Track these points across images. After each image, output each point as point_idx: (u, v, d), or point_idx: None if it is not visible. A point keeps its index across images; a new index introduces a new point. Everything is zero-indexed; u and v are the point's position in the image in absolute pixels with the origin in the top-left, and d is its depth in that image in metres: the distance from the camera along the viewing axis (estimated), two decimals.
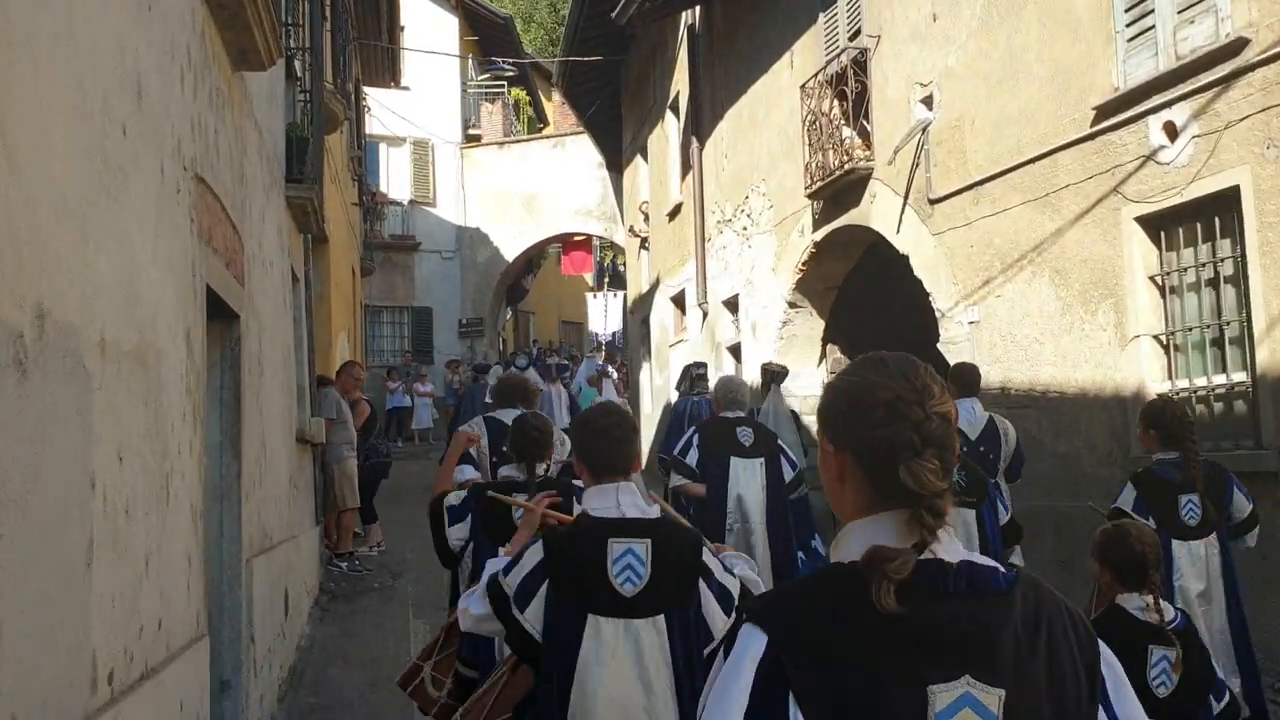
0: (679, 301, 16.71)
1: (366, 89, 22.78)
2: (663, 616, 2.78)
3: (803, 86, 10.92)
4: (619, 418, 3.05)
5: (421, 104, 26.21)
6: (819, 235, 10.95)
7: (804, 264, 11.41)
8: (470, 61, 29.03)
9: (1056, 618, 1.45)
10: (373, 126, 24.92)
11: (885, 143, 9.64)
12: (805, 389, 12.22)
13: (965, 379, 6.89)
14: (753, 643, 1.40)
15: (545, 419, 4.52)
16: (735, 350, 13.88)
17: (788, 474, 6.85)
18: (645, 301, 19.30)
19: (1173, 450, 4.73)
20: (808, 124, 10.76)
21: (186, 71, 4.29)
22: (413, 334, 27.11)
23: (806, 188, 10.86)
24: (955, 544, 1.45)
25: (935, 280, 8.94)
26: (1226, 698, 3.59)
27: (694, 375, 11.47)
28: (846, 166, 9.99)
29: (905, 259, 9.43)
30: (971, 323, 8.54)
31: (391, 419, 23.60)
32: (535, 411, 4.95)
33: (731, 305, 13.83)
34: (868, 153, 9.86)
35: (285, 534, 7.43)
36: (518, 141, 27.65)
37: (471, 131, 27.77)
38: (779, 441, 7.11)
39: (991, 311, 8.31)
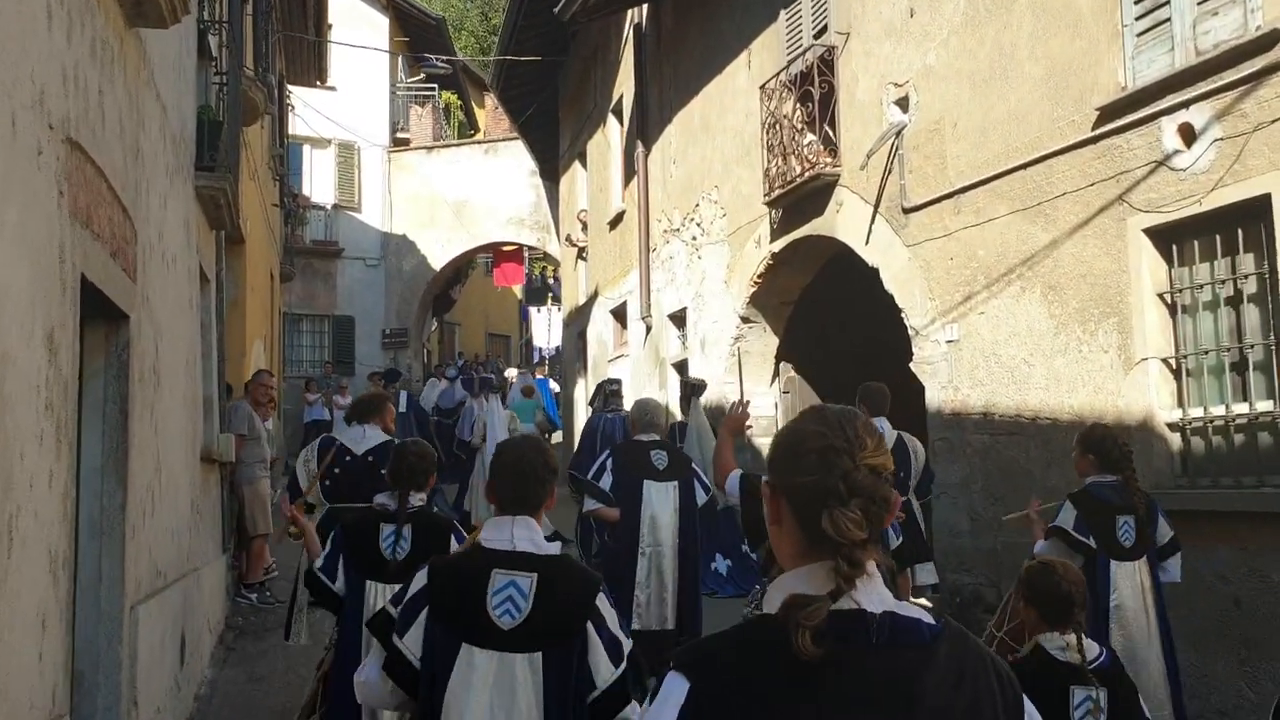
0: (619, 315, 15.93)
1: (291, 87, 21.76)
2: (540, 655, 2.73)
3: (762, 87, 10.23)
4: (536, 455, 2.98)
5: (348, 105, 25.17)
6: (777, 246, 10.25)
7: (759, 276, 10.71)
8: (400, 63, 28.04)
9: (982, 673, 1.45)
10: (296, 127, 23.83)
11: (853, 148, 8.98)
12: (756, 409, 11.49)
13: (874, 399, 7.14)
14: (675, 689, 1.44)
15: (424, 445, 4.38)
16: (681, 366, 13.13)
17: (701, 497, 6.87)
18: (582, 314, 18.49)
19: (1109, 475, 4.88)
20: (767, 127, 10.06)
21: (56, 8, 3.41)
22: (334, 344, 25.99)
23: (765, 195, 10.17)
24: (880, 594, 1.46)
25: (909, 295, 8.27)
26: None
27: (608, 392, 11.44)
28: (810, 173, 9.31)
29: (874, 272, 8.76)
30: (950, 341, 7.88)
31: (310, 432, 22.44)
32: (417, 438, 4.82)
33: (679, 319, 13.09)
34: (833, 159, 9.18)
35: (185, 568, 6.48)
36: (448, 146, 26.71)
37: (400, 135, 26.76)
38: (693, 465, 7.12)
39: (973, 330, 7.66)
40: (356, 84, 25.64)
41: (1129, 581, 4.82)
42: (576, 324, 19.16)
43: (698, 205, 12.25)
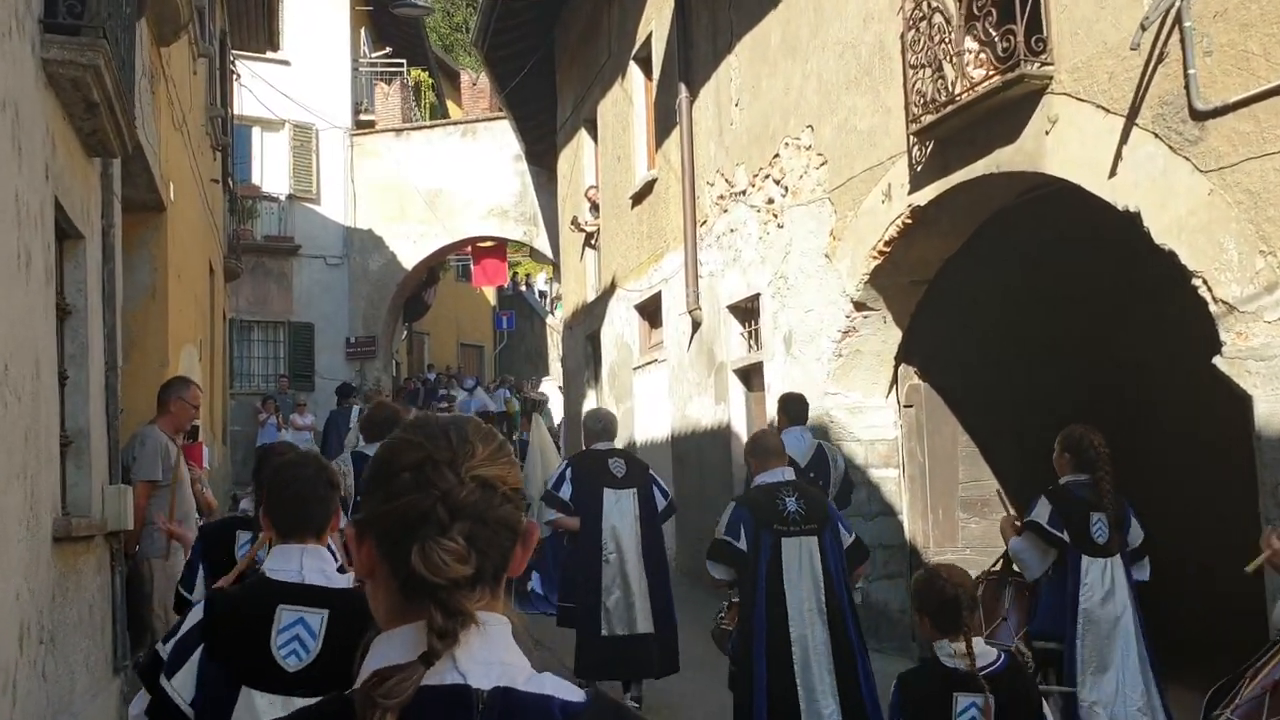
0: (648, 310, 12.80)
1: (237, 55, 18.52)
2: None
3: None
4: (312, 469, 2.71)
5: (304, 82, 21.95)
6: (924, 196, 7.20)
7: (887, 244, 7.64)
8: (363, 36, 24.82)
9: None
10: (244, 105, 20.58)
11: (1079, 34, 5.95)
12: (870, 428, 8.43)
13: (793, 409, 7.20)
14: None
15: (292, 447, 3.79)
16: (748, 373, 10.02)
17: (660, 503, 6.94)
18: (592, 313, 15.34)
19: (1084, 474, 4.99)
20: (913, 23, 7.01)
21: None
22: (290, 355, 22.73)
23: (911, 123, 7.11)
24: (502, 659, 1.14)
25: (1211, 249, 5.21)
26: None
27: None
28: (997, 80, 6.26)
29: (1124, 219, 5.74)
30: None
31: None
32: (286, 441, 4.52)
33: (745, 310, 9.98)
34: (1039, 55, 6.13)
35: None
36: (419, 128, 23.47)
37: (364, 117, 23.52)
38: (650, 471, 7.16)
39: None
40: (313, 58, 22.41)
41: (1101, 578, 4.88)
42: (583, 326, 16.02)
43: (776, 156, 9.16)
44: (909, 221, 7.45)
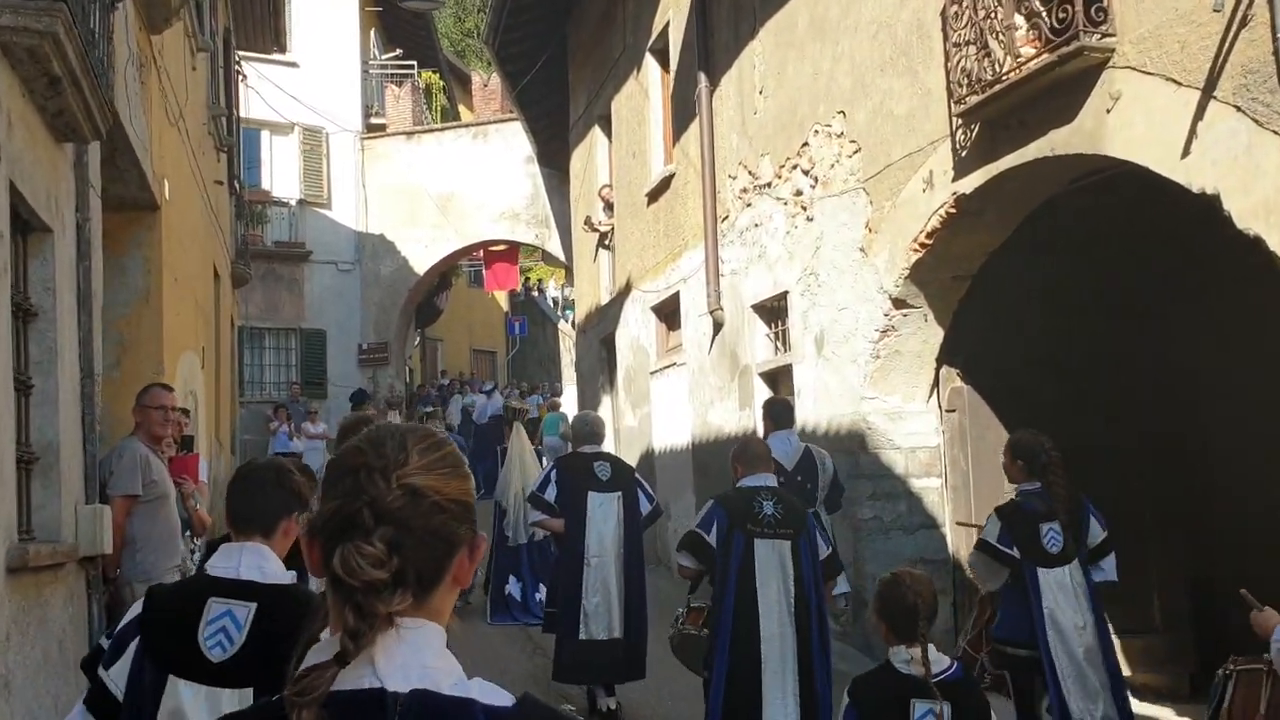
0: (666, 312, 12.28)
1: (244, 56, 18.12)
2: (251, 691, 2.42)
3: None
4: (270, 473, 2.74)
5: (314, 85, 21.56)
6: (969, 184, 6.66)
7: (929, 235, 7.11)
8: (373, 38, 24.39)
9: None
10: (252, 109, 20.19)
11: (1140, 2, 5.41)
12: (911, 435, 7.89)
13: (778, 412, 7.10)
14: None
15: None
16: (775, 376, 9.49)
17: (645, 507, 6.97)
18: (606, 316, 14.83)
19: (1035, 481, 5.07)
20: None
21: None
22: (302, 362, 22.29)
23: (956, 104, 6.57)
24: (424, 665, 1.14)
25: None
26: None
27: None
28: (1052, 54, 5.73)
29: (1191, 205, 5.20)
30: None
31: None
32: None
33: (771, 310, 9.45)
34: (1099, 25, 5.59)
35: None
36: (430, 131, 23.03)
37: (374, 120, 23.09)
38: (636, 475, 7.21)
39: None
40: (322, 60, 22.03)
41: (1059, 587, 4.94)
42: (597, 329, 15.51)
43: (805, 145, 8.63)
44: (952, 211, 6.91)
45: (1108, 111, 5.63)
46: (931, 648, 3.42)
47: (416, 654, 1.14)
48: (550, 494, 6.82)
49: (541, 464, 10.62)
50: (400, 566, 1.13)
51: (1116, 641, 8.14)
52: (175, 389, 9.04)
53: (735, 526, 5.15)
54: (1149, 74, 5.38)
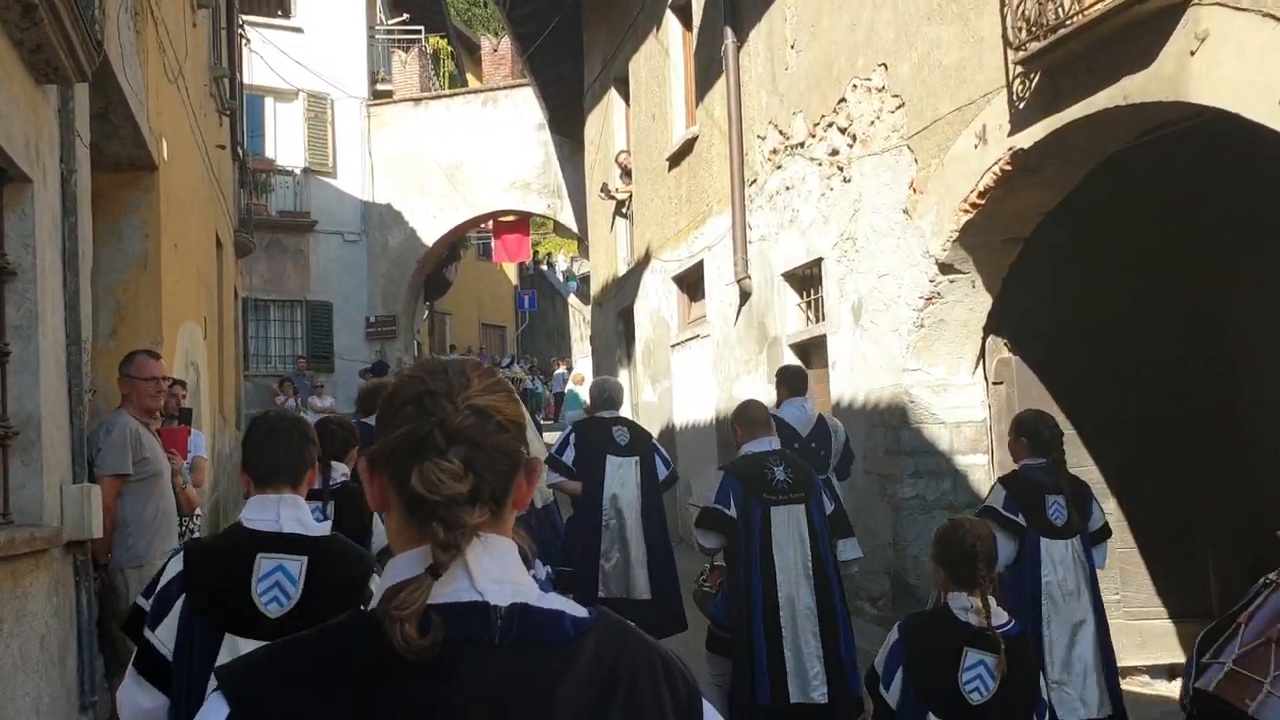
0: (688, 282, 11.80)
1: (247, 21, 17.61)
2: None
3: None
4: (288, 422, 2.78)
5: (318, 50, 21.04)
6: (1028, 138, 6.15)
7: (981, 195, 6.62)
8: (379, 2, 23.80)
9: (644, 674, 1.19)
10: (255, 75, 19.65)
11: None
12: (956, 409, 7.42)
13: (792, 380, 7.10)
14: (211, 714, 1.12)
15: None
16: (806, 348, 9.01)
17: (661, 472, 6.97)
18: (624, 288, 14.35)
19: (1040, 458, 5.03)
20: None
21: None
22: (308, 335, 21.89)
23: (1015, 49, 6.06)
24: (513, 578, 1.19)
25: None
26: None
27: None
28: None
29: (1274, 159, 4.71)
30: None
31: None
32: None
33: (804, 278, 8.97)
34: None
35: None
36: (438, 98, 22.49)
37: (381, 86, 22.56)
38: (653, 440, 7.23)
39: None
40: (327, 25, 21.52)
41: (1061, 560, 4.92)
42: (614, 301, 15.03)
43: (842, 101, 8.12)
44: (1007, 168, 6.40)
45: (1192, 54, 5.11)
46: (991, 599, 3.33)
47: (505, 568, 1.18)
48: (569, 457, 6.84)
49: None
50: (476, 483, 1.16)
51: (1173, 626, 7.76)
52: (176, 360, 8.62)
53: (751, 496, 5.14)
54: (1241, 10, 4.86)
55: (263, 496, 2.62)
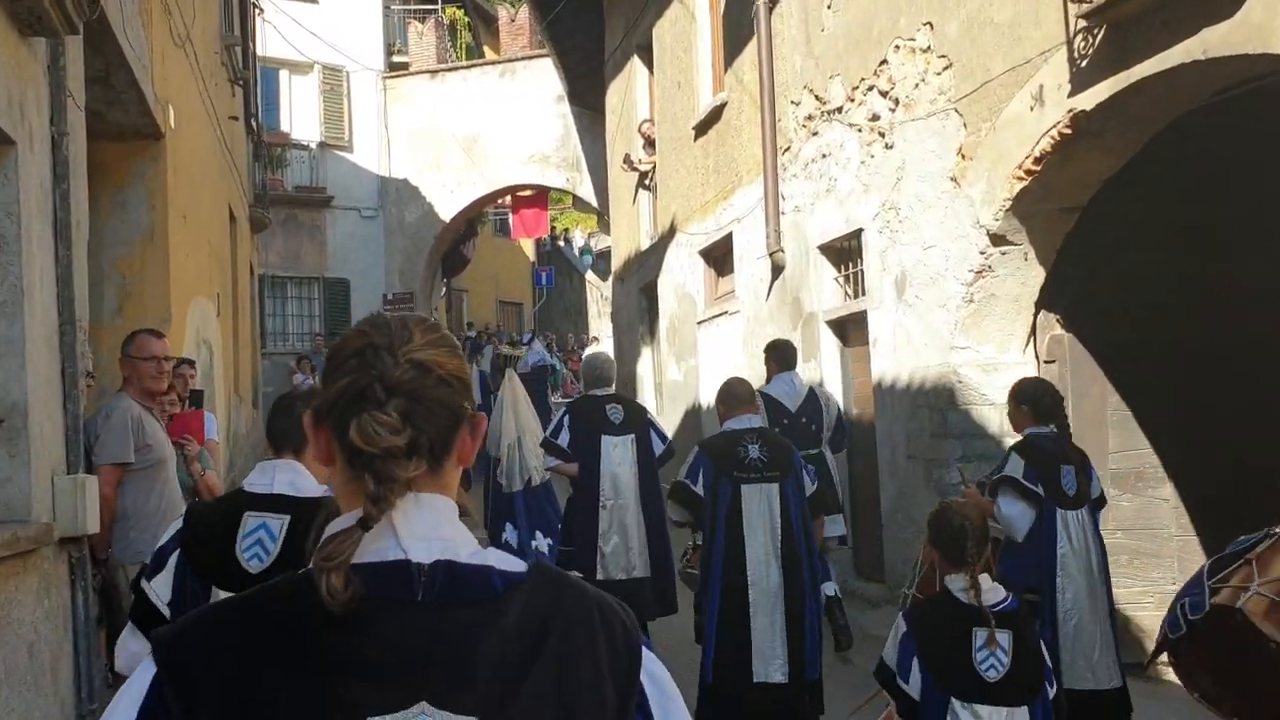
0: (716, 255, 11.39)
1: None
2: None
3: None
4: (305, 394, 3.00)
5: (333, 21, 20.58)
6: (1090, 99, 5.71)
7: (1037, 160, 6.18)
8: None
9: (578, 625, 1.18)
10: (269, 47, 19.24)
11: None
12: (1008, 388, 6.99)
13: (782, 354, 7.22)
14: (138, 678, 1.13)
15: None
16: (844, 325, 8.61)
17: (658, 447, 6.88)
18: (646, 263, 13.95)
19: (1044, 426, 4.97)
20: None
21: None
22: (325, 312, 21.59)
23: (1078, 1, 5.61)
24: (442, 535, 1.18)
25: None
26: (1055, 688, 3.45)
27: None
28: None
29: None
30: None
31: None
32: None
33: (842, 250, 8.55)
34: None
35: None
36: (455, 69, 22.05)
37: (397, 58, 22.14)
38: (648, 416, 7.18)
39: None
40: None
41: (1075, 530, 4.88)
42: (637, 276, 14.63)
43: (883, 63, 7.68)
44: (1067, 131, 5.96)
45: None
46: (985, 577, 3.38)
47: (435, 525, 1.18)
48: (563, 439, 6.79)
49: None
50: (414, 436, 1.16)
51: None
52: (187, 337, 8.28)
53: (721, 473, 5.15)
54: None
55: (265, 462, 2.78)
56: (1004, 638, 3.29)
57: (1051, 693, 3.42)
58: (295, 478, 2.71)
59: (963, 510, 3.53)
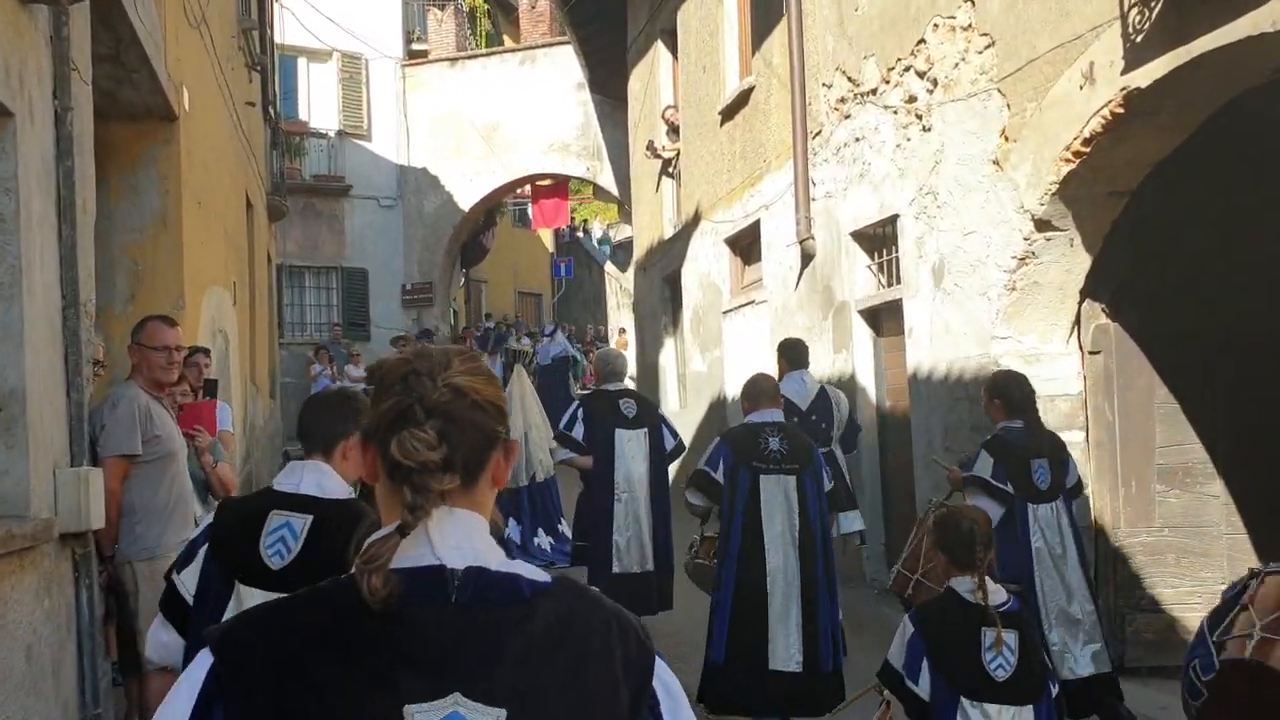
0: (742, 244, 11.13)
1: None
2: None
3: None
4: (334, 398, 2.99)
5: (352, 8, 20.34)
6: (1146, 75, 5.43)
7: (1086, 142, 5.90)
8: None
9: (595, 631, 1.29)
10: (287, 35, 19.02)
11: None
12: (1052, 379, 6.73)
13: (793, 353, 7.18)
14: (197, 667, 1.23)
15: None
16: (877, 314, 8.34)
17: (669, 443, 6.96)
18: (670, 251, 13.69)
19: (1017, 419, 5.07)
20: None
21: None
22: (344, 302, 21.39)
23: None
24: (473, 545, 1.28)
25: None
26: (1057, 686, 3.54)
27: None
28: None
29: None
30: None
31: None
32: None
33: (877, 237, 8.27)
34: None
35: None
36: (475, 57, 21.81)
37: (416, 46, 21.91)
38: (660, 411, 7.39)
39: None
40: None
41: (1047, 524, 4.97)
42: (660, 266, 14.37)
43: (921, 43, 7.39)
44: (1119, 110, 5.67)
45: None
46: (989, 580, 3.45)
47: (467, 535, 1.27)
48: (578, 432, 6.82)
49: None
50: (449, 453, 1.25)
51: None
52: (201, 326, 8.06)
53: (741, 463, 5.27)
54: None
55: (295, 463, 2.86)
56: (1010, 637, 3.35)
57: (1055, 691, 3.49)
58: (322, 479, 2.77)
59: (969, 513, 3.61)
